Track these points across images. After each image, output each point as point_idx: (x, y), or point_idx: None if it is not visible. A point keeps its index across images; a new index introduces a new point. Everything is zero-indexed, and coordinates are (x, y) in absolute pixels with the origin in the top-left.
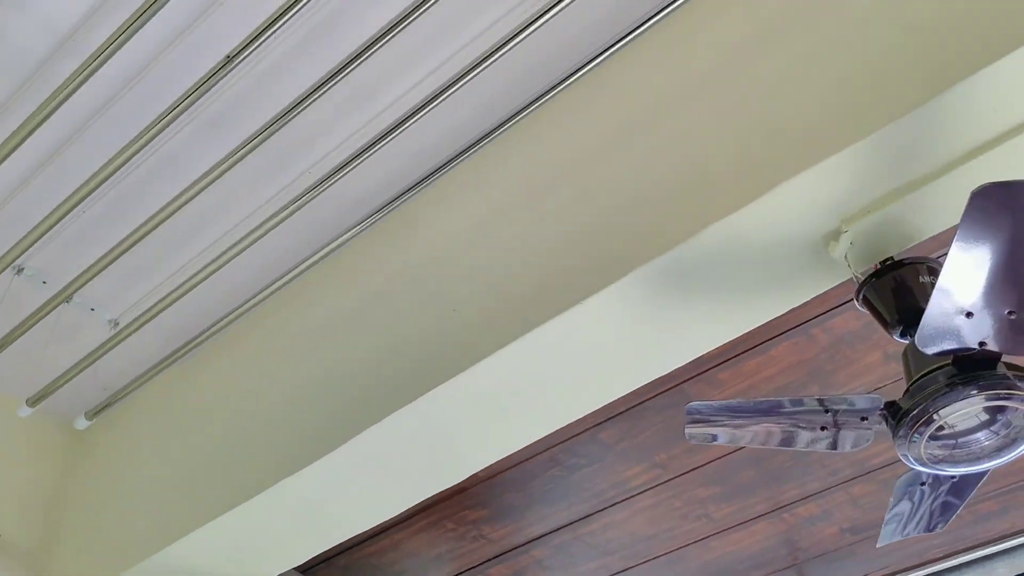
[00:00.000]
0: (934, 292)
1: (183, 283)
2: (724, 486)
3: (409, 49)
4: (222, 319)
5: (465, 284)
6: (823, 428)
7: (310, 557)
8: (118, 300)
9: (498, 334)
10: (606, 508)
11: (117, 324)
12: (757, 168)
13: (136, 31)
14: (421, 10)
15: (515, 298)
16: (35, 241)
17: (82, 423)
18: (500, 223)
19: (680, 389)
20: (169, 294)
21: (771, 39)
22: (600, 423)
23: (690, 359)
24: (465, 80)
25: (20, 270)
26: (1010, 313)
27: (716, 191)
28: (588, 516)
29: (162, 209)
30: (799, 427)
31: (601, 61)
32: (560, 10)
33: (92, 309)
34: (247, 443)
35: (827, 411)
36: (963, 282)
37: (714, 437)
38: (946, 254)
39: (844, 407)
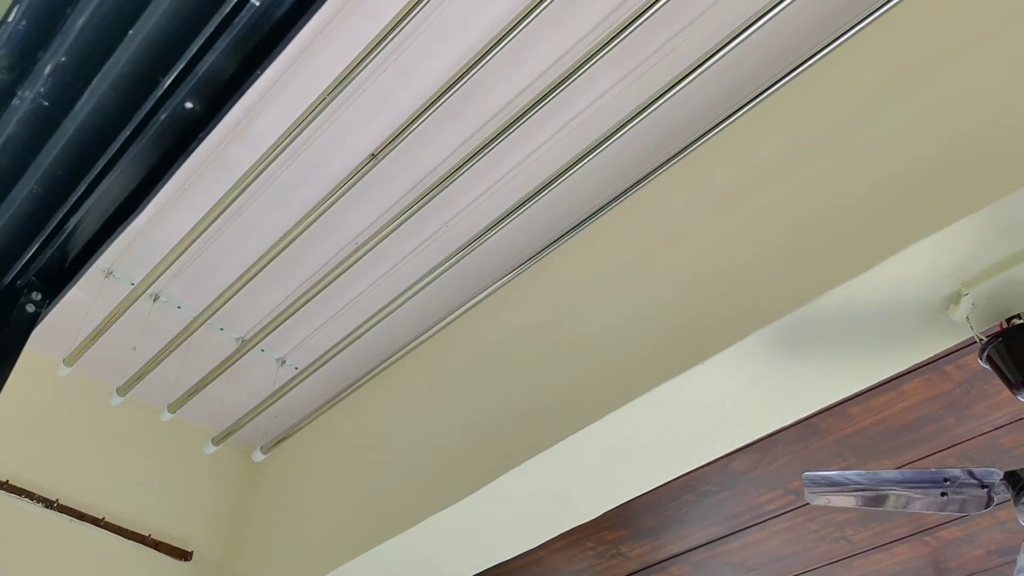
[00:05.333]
0: None
1: (349, 333)
2: (859, 512)
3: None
4: (381, 364)
5: (597, 337)
6: (943, 495)
7: None
8: (283, 340)
9: (626, 388)
10: (742, 529)
11: (284, 362)
12: (874, 234)
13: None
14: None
15: (642, 353)
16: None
17: (258, 456)
18: (626, 280)
19: (810, 423)
20: (338, 343)
21: (892, 98)
22: (730, 454)
23: (812, 412)
24: (597, 151)
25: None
26: None
27: (834, 257)
28: (725, 536)
29: (326, 267)
30: (915, 497)
31: (722, 128)
32: (681, 88)
33: (262, 350)
34: (403, 477)
35: (946, 480)
36: None
37: (833, 499)
38: None
39: (963, 479)
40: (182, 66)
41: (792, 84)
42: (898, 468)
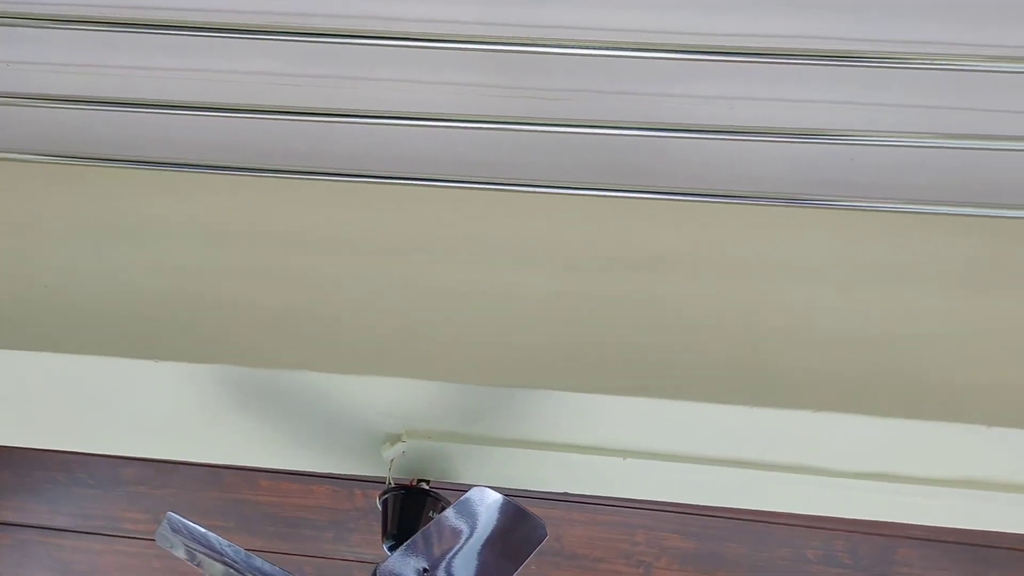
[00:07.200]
0: (405, 543)
1: None
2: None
3: None
4: None
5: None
6: None
7: None
8: None
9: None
10: (88, 533)
11: None
12: (362, 351)
13: None
14: None
15: (112, 319)
16: None
17: None
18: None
19: (218, 472)
20: None
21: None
22: (126, 458)
23: (228, 464)
24: None
25: None
26: None
27: (337, 348)
28: (66, 530)
29: None
30: None
31: None
32: None
33: None
34: None
35: None
36: (431, 547)
37: (183, 552)
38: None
39: None
40: None
41: None
42: (265, 552)
